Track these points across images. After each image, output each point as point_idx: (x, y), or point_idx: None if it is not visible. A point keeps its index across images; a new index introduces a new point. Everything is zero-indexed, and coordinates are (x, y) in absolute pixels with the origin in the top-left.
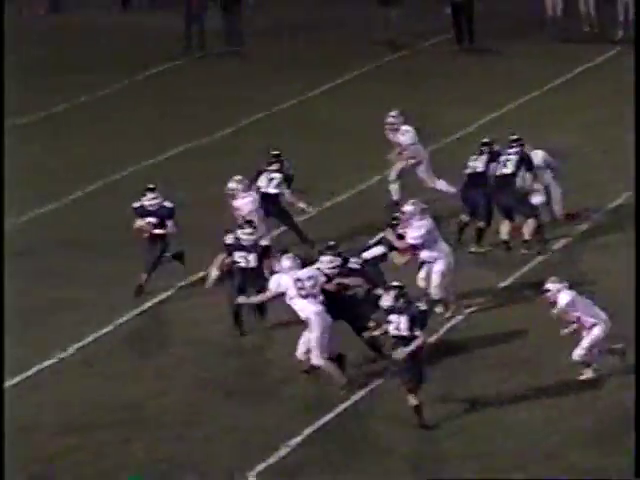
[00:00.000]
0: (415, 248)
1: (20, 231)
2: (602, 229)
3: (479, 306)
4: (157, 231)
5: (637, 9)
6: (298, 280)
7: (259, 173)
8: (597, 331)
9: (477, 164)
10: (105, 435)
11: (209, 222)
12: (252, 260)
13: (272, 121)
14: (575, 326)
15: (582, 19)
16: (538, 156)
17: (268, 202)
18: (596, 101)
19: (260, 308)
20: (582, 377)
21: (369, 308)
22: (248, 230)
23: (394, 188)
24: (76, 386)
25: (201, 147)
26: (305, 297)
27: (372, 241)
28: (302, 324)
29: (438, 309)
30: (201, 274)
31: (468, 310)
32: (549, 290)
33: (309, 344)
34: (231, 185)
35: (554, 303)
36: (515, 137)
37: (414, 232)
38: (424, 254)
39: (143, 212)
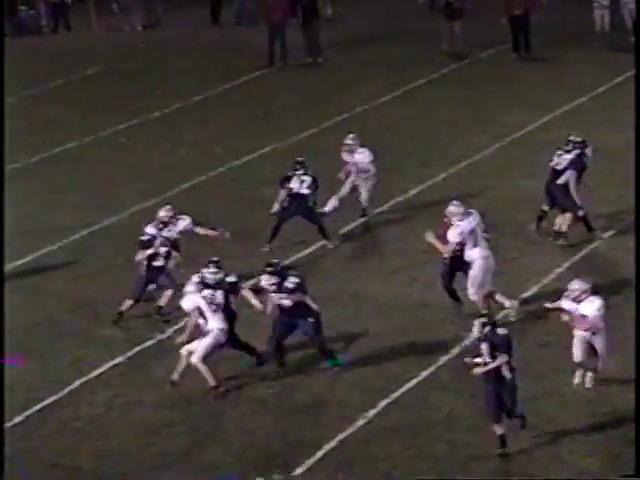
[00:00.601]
0: (461, 245)
1: (125, 226)
2: None
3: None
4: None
5: (637, 14)
6: (205, 297)
7: (289, 177)
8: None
9: (560, 160)
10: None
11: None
12: (219, 297)
13: (350, 123)
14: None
15: (627, 31)
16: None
17: (299, 202)
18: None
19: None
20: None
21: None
22: (213, 269)
23: (333, 202)
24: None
25: (287, 147)
26: (214, 312)
27: None
28: None
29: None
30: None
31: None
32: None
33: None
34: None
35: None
36: (578, 139)
37: (455, 230)
38: (466, 253)
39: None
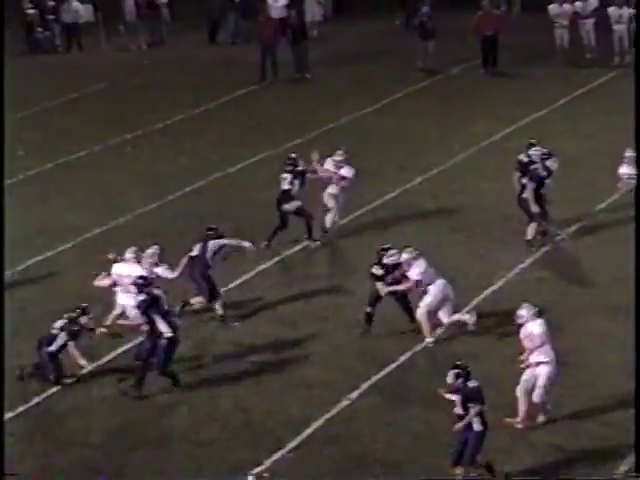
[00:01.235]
0: (418, 283)
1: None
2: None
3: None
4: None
5: (637, 29)
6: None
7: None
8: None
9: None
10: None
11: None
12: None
13: (334, 134)
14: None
15: (585, 49)
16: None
17: (283, 199)
18: (597, 115)
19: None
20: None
21: None
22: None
23: (330, 218)
24: None
25: (278, 155)
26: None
27: None
28: None
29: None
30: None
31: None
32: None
33: None
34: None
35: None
36: (545, 151)
37: (415, 270)
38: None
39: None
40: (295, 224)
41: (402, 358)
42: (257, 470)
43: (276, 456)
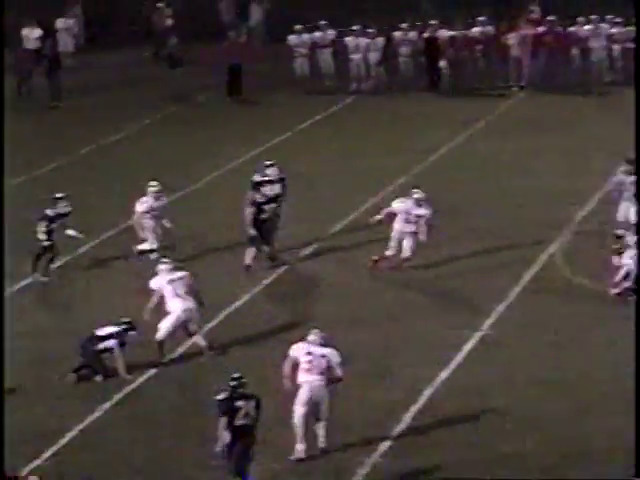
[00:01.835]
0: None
1: None
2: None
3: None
4: None
5: (637, 38)
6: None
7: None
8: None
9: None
10: None
11: None
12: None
13: (87, 157)
14: None
15: (324, 76)
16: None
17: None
18: (335, 138)
19: None
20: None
21: None
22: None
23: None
24: None
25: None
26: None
27: None
28: None
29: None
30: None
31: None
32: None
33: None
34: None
35: None
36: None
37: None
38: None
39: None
40: None
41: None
42: None
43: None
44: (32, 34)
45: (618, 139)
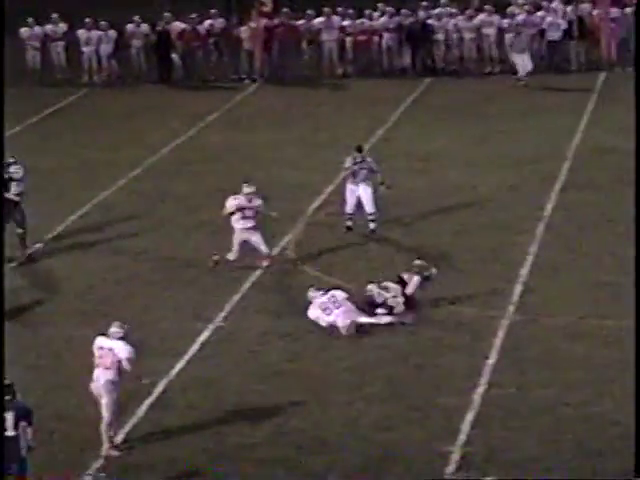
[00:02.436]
0: None
1: None
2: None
3: None
4: None
5: (637, 30)
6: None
7: None
8: None
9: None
10: None
11: None
12: None
13: None
14: None
15: (56, 69)
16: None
17: None
18: (66, 132)
19: None
20: None
21: None
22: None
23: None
24: None
25: None
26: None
27: None
28: None
29: None
30: None
31: None
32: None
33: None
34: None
35: None
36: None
37: None
38: None
39: None
40: None
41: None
42: None
43: None
44: None
45: (350, 131)
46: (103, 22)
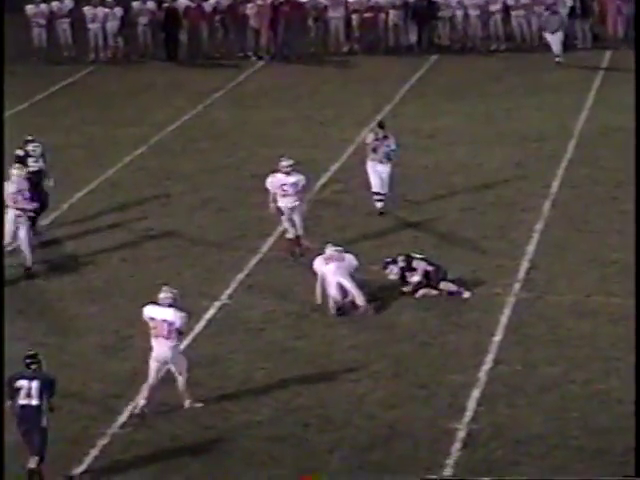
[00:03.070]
0: None
1: None
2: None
3: None
4: None
5: (636, 21)
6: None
7: None
8: None
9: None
10: None
11: None
12: None
13: None
14: None
15: (62, 47)
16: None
17: None
18: (72, 109)
19: None
20: None
21: None
22: None
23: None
24: None
25: None
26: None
27: None
28: None
29: None
30: None
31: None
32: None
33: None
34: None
35: None
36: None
37: None
38: None
39: None
40: None
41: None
42: None
43: None
44: None
45: (357, 109)
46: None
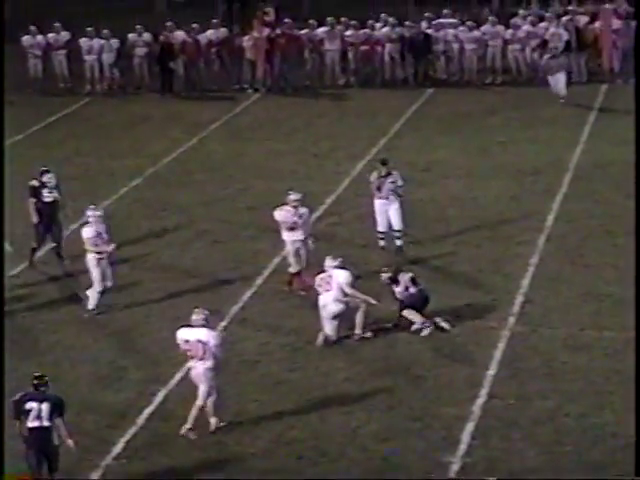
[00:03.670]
0: None
1: None
2: None
3: None
4: None
5: (637, 38)
6: None
7: None
8: None
9: None
10: None
11: None
12: None
13: None
14: None
15: (58, 78)
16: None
17: None
18: (68, 140)
19: None
20: None
21: None
22: None
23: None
24: None
25: None
26: None
27: None
28: None
29: None
30: None
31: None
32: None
33: None
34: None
35: None
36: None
37: None
38: None
39: None
40: None
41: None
42: None
43: None
44: None
45: (353, 141)
46: (105, 31)
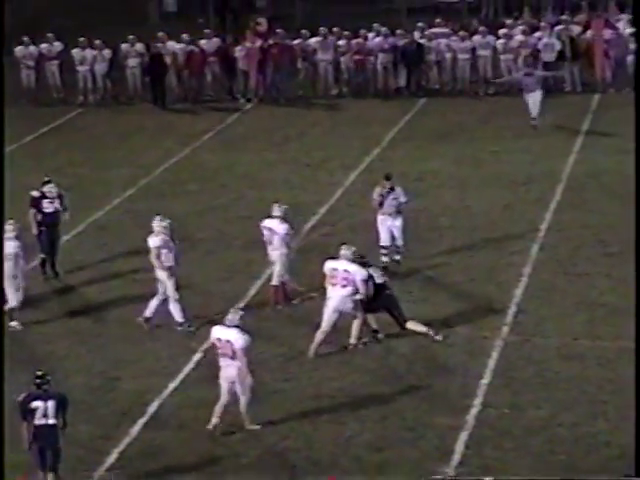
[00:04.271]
0: None
1: None
2: None
3: None
4: None
5: (637, 43)
6: None
7: None
8: None
9: None
10: None
11: None
12: None
13: None
14: None
15: (51, 88)
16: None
17: None
18: (61, 151)
19: None
20: None
21: None
22: None
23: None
24: None
25: None
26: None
27: None
28: None
29: None
30: None
31: None
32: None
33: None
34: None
35: None
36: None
37: None
38: None
39: None
40: None
41: None
42: None
43: None
44: None
45: (346, 151)
46: (98, 41)
